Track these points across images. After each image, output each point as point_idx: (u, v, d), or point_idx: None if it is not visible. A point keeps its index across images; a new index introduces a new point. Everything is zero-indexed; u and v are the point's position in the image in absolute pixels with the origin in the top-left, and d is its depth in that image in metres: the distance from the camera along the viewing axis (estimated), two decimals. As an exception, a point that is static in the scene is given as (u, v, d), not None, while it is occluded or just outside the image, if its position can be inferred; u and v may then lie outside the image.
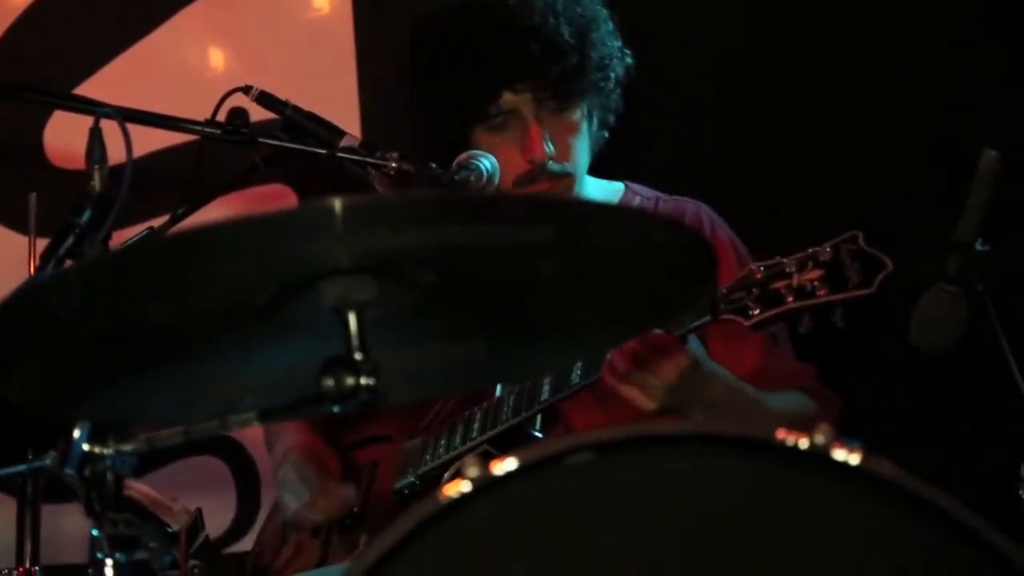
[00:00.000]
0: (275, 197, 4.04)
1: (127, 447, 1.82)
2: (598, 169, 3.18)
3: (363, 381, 1.72)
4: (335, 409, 1.76)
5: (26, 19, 4.06)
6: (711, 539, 1.49)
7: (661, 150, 3.62)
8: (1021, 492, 2.30)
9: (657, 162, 3.56)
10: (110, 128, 2.34)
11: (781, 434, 1.48)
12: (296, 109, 2.72)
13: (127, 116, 2.24)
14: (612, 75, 3.01)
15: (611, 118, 3.10)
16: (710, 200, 3.16)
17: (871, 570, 1.48)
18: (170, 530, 2.97)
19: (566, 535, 1.50)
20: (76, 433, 1.80)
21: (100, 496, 1.82)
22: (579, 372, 2.73)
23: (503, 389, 2.86)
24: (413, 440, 3.00)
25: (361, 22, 4.09)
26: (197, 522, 3.05)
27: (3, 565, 2.56)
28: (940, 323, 2.27)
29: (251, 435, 3.84)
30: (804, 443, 1.48)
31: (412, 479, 2.89)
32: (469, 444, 2.83)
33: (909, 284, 2.30)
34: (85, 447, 1.81)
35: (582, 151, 3.00)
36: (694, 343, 2.66)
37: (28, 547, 2.39)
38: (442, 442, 2.91)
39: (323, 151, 2.57)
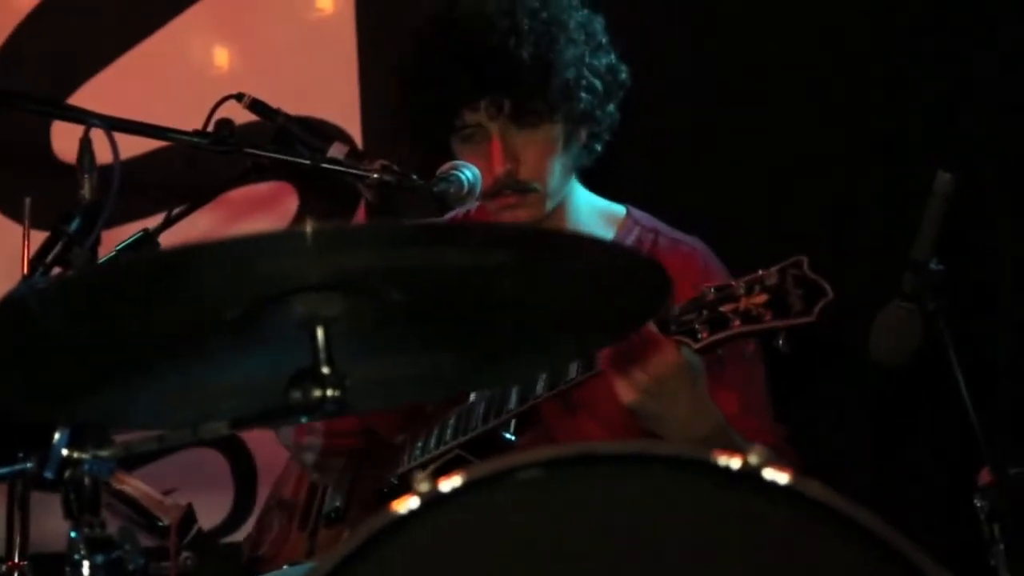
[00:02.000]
0: (277, 195, 4.12)
1: (105, 452, 1.90)
2: (599, 186, 3.20)
3: (329, 393, 1.80)
4: (303, 419, 1.85)
5: (30, 21, 4.12)
6: (650, 555, 1.57)
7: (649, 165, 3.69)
8: (976, 501, 2.37)
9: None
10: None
11: (715, 455, 1.56)
12: (287, 117, 2.80)
13: (115, 125, 2.32)
14: (588, 93, 2.99)
15: (603, 134, 3.09)
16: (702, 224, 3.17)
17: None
18: (161, 524, 3.08)
19: (513, 550, 1.58)
20: (56, 437, 1.88)
21: (78, 499, 1.90)
22: (543, 383, 2.78)
23: (476, 394, 2.92)
24: (396, 439, 3.08)
25: (363, 23, 4.15)
26: (189, 516, 3.16)
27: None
28: (895, 338, 2.35)
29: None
30: (736, 463, 1.55)
31: (392, 479, 2.98)
32: (443, 448, 2.90)
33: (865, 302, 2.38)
34: (64, 451, 1.89)
35: (554, 168, 2.99)
36: (689, 352, 2.63)
37: (17, 541, 2.47)
38: (419, 444, 2.99)
39: (306, 161, 2.64)
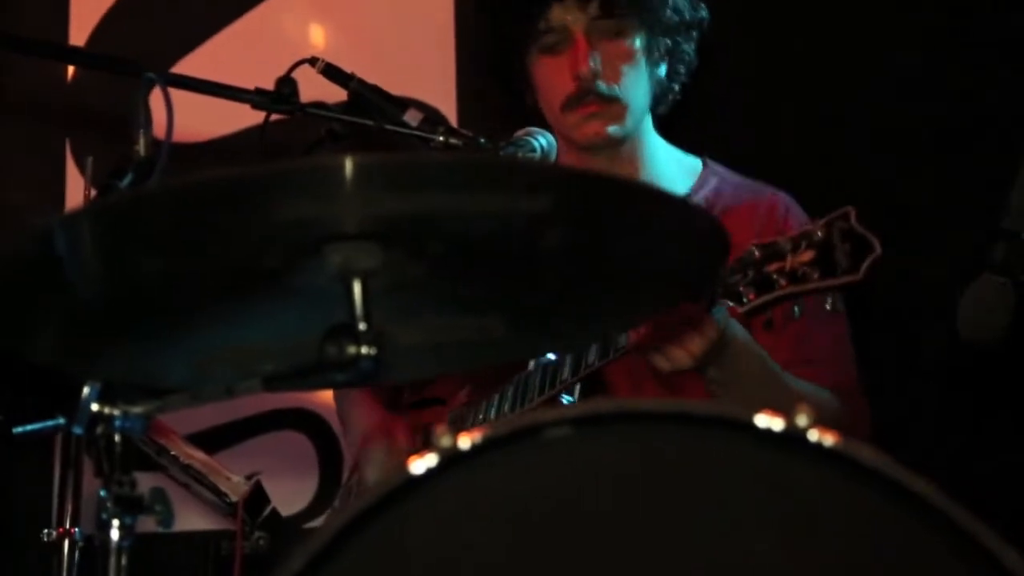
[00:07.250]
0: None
1: (136, 409, 1.83)
2: (679, 142, 3.11)
3: (364, 350, 1.71)
4: (338, 378, 1.75)
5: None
6: (686, 517, 1.46)
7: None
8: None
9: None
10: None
11: (758, 415, 1.44)
12: (360, 82, 2.73)
13: (171, 81, 2.26)
14: (675, 11, 2.93)
15: (680, 68, 3.02)
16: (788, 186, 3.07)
17: (847, 552, 1.43)
18: (228, 500, 3.01)
19: (537, 513, 1.47)
20: (85, 391, 1.81)
21: (109, 457, 1.82)
22: (595, 352, 2.66)
23: (536, 362, 2.80)
24: (456, 411, 2.99)
25: (462, 2, 4.09)
26: (258, 494, 3.08)
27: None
28: (985, 314, 2.19)
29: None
30: (779, 424, 1.43)
31: None
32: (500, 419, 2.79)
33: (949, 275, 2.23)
34: (94, 407, 1.82)
35: (637, 82, 2.92)
36: (721, 313, 2.54)
37: (69, 507, 2.42)
38: (480, 416, 2.89)
39: (368, 122, 2.56)
